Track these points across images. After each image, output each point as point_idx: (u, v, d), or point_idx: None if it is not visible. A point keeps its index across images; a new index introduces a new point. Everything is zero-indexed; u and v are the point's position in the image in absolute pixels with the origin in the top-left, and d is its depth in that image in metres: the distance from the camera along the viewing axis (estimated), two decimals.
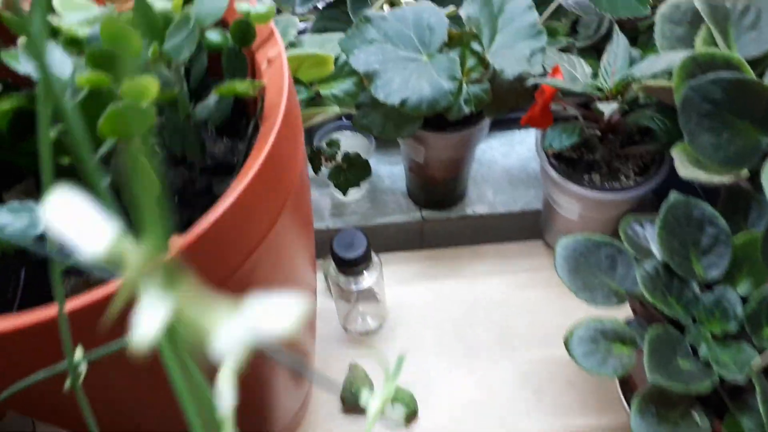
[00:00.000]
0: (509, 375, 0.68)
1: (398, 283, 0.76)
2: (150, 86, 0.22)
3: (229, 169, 0.37)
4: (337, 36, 0.62)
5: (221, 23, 0.37)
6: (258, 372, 0.47)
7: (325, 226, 0.79)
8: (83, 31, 0.26)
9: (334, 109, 0.58)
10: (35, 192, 0.35)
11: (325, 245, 0.64)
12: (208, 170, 0.37)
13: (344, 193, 0.72)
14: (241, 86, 0.31)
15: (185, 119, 0.34)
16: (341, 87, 0.61)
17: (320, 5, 0.77)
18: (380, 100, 0.55)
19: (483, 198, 0.81)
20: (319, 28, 0.73)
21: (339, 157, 0.72)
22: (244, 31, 0.34)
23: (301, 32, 0.80)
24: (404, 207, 0.81)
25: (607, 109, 0.53)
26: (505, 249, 0.79)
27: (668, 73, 0.58)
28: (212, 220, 0.29)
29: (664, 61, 0.57)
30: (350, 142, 0.78)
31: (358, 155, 0.72)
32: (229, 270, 0.34)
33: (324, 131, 0.79)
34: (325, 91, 0.61)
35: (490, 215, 0.79)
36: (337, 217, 0.80)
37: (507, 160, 0.85)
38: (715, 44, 0.56)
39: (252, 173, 0.31)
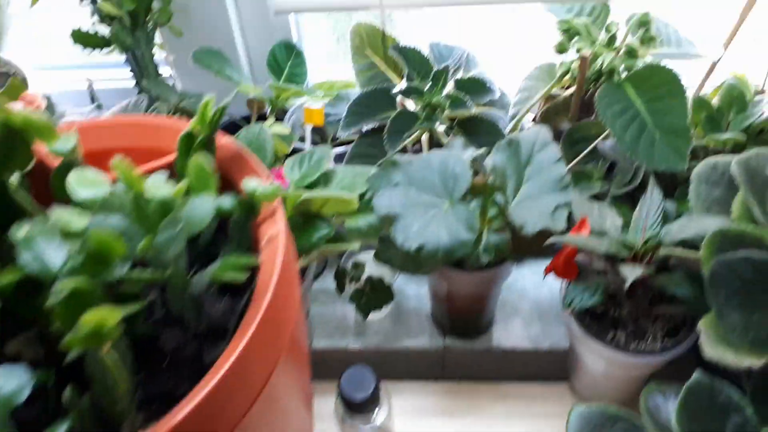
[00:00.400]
0: None
1: (413, 416, 0.73)
2: (108, 320, 0.22)
3: (222, 334, 0.37)
4: (369, 169, 0.64)
5: (233, 188, 0.38)
6: None
7: (345, 344, 0.78)
8: (79, 226, 0.27)
9: (355, 246, 0.59)
10: (36, 343, 0.36)
11: (341, 365, 0.63)
12: (202, 334, 0.37)
13: (365, 316, 0.72)
14: (231, 273, 0.31)
15: (182, 290, 0.35)
16: (366, 220, 0.62)
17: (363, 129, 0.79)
18: (398, 244, 0.55)
19: (510, 330, 0.79)
20: (358, 154, 0.75)
21: (363, 279, 0.72)
22: (249, 206, 0.35)
23: (341, 155, 0.83)
24: (427, 331, 0.79)
25: (631, 274, 0.52)
26: (529, 390, 0.76)
27: (700, 239, 0.56)
28: (200, 399, 0.29)
29: (696, 226, 0.55)
30: None
31: (381, 280, 0.71)
32: None
33: (351, 252, 0.80)
34: (350, 224, 0.62)
35: (515, 350, 0.77)
36: (358, 335, 0.79)
37: (538, 292, 0.83)
38: (752, 213, 0.54)
39: (238, 351, 0.31)
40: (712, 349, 0.50)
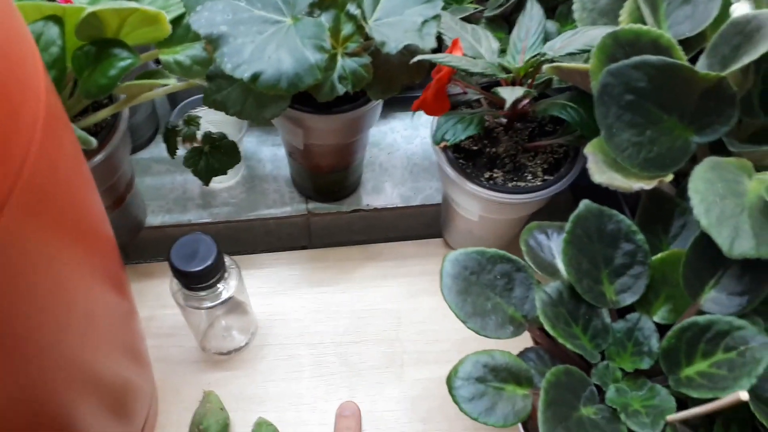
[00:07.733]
0: (396, 401, 0.58)
1: (276, 289, 0.64)
2: None
3: None
4: None
5: None
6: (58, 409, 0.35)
7: (188, 219, 0.66)
8: None
9: (171, 82, 0.45)
10: None
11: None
12: None
13: (206, 182, 0.59)
14: None
15: None
16: (188, 53, 0.48)
17: None
18: (227, 71, 0.42)
19: (380, 189, 0.70)
20: None
21: (200, 137, 0.59)
22: None
23: None
24: (287, 198, 0.69)
25: (510, 95, 0.43)
26: (401, 249, 0.68)
27: (587, 54, 0.48)
28: None
29: (583, 38, 0.47)
30: (219, 118, 0.65)
31: (222, 136, 0.59)
32: None
33: (187, 104, 0.65)
34: (165, 56, 0.48)
35: (385, 209, 0.69)
36: (203, 208, 0.67)
37: (410, 146, 0.74)
38: (644, 20, 0.47)
39: None
40: (600, 175, 0.43)
